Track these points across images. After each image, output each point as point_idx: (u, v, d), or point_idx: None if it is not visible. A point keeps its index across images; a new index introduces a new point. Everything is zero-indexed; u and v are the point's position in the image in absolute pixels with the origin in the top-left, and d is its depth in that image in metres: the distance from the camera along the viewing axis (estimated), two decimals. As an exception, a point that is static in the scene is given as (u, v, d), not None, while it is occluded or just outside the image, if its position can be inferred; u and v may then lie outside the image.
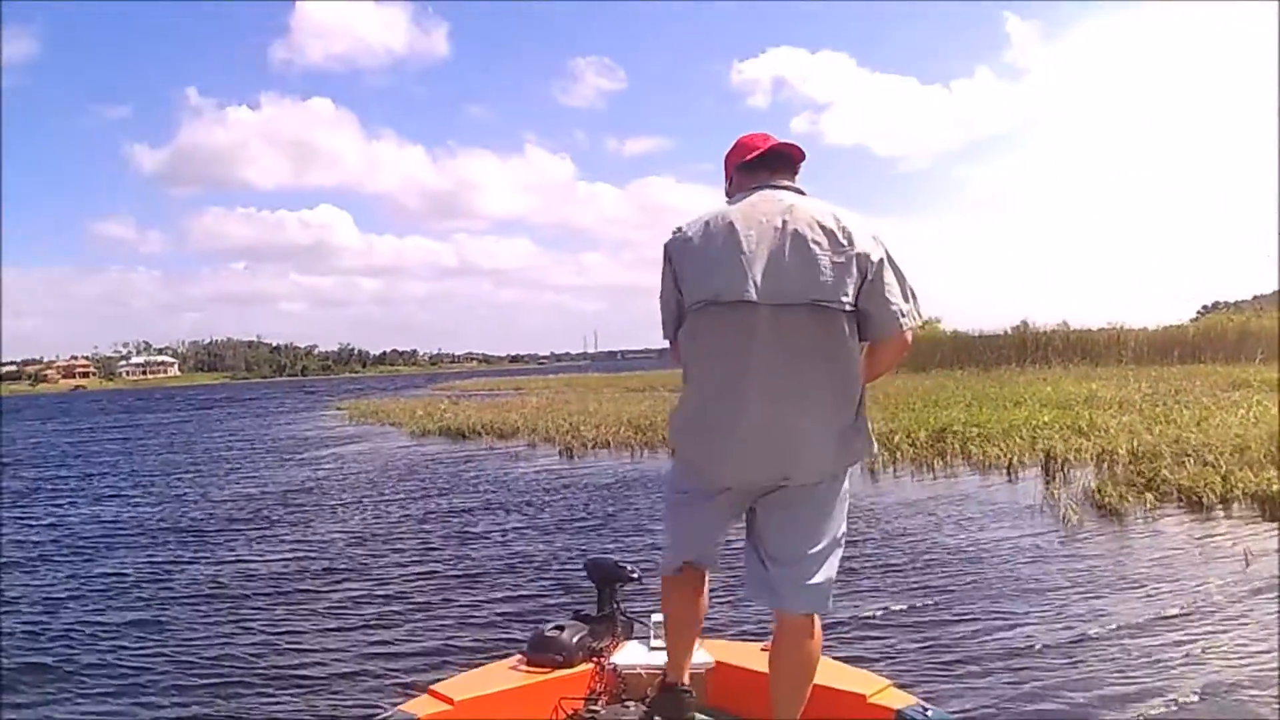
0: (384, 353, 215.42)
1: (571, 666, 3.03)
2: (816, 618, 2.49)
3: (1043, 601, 5.87)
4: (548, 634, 3.09)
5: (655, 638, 3.14)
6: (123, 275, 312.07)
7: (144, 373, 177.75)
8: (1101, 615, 5.48)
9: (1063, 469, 10.42)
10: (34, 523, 11.42)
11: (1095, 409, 14.04)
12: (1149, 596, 5.86)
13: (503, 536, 9.10)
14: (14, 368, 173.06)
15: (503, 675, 3.01)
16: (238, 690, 4.91)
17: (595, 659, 3.07)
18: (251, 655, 5.50)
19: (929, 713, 2.67)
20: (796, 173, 2.56)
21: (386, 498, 12.15)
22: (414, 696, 2.87)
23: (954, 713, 4.00)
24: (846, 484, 2.51)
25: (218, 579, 7.69)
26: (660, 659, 2.99)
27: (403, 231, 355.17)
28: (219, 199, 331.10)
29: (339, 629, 6.04)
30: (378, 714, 2.86)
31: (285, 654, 5.52)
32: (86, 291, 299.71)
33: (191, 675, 5.19)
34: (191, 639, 5.93)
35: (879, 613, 5.74)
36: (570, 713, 2.86)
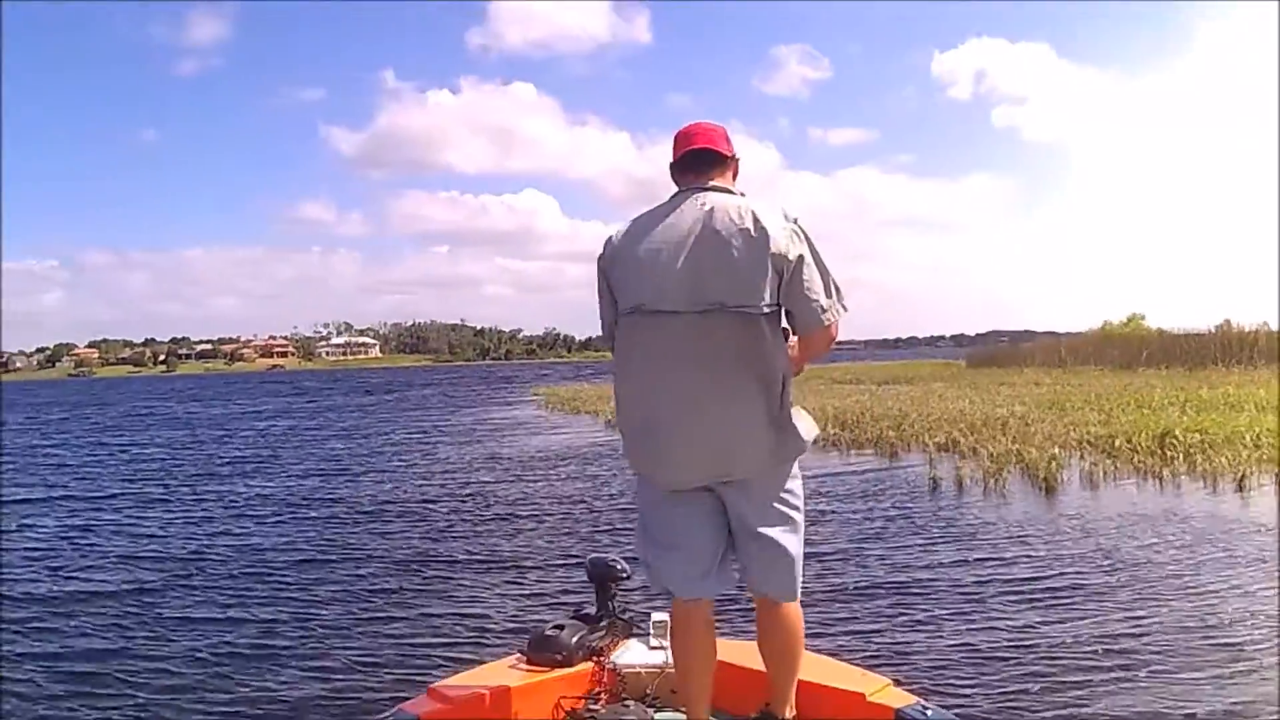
0: (589, 338, 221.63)
1: (571, 665, 3.26)
2: (794, 603, 2.76)
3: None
4: (547, 633, 3.34)
5: (655, 636, 3.36)
6: (322, 257, 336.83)
7: (344, 353, 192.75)
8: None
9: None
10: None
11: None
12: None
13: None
14: (209, 346, 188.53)
15: (502, 674, 3.27)
16: (236, 687, 5.20)
17: (595, 658, 3.30)
18: (251, 652, 5.82)
19: (929, 712, 2.80)
20: (729, 169, 2.76)
21: (498, 499, 12.14)
22: (414, 696, 3.18)
23: None
24: (794, 471, 2.76)
25: (228, 570, 8.25)
26: (660, 657, 3.23)
27: (608, 218, 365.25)
28: (418, 182, 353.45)
29: (339, 626, 6.33)
30: (378, 713, 3.17)
31: (284, 651, 5.81)
32: (282, 273, 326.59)
33: (188, 669, 5.52)
34: (190, 629, 6.37)
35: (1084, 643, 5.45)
36: (570, 711, 3.10)
